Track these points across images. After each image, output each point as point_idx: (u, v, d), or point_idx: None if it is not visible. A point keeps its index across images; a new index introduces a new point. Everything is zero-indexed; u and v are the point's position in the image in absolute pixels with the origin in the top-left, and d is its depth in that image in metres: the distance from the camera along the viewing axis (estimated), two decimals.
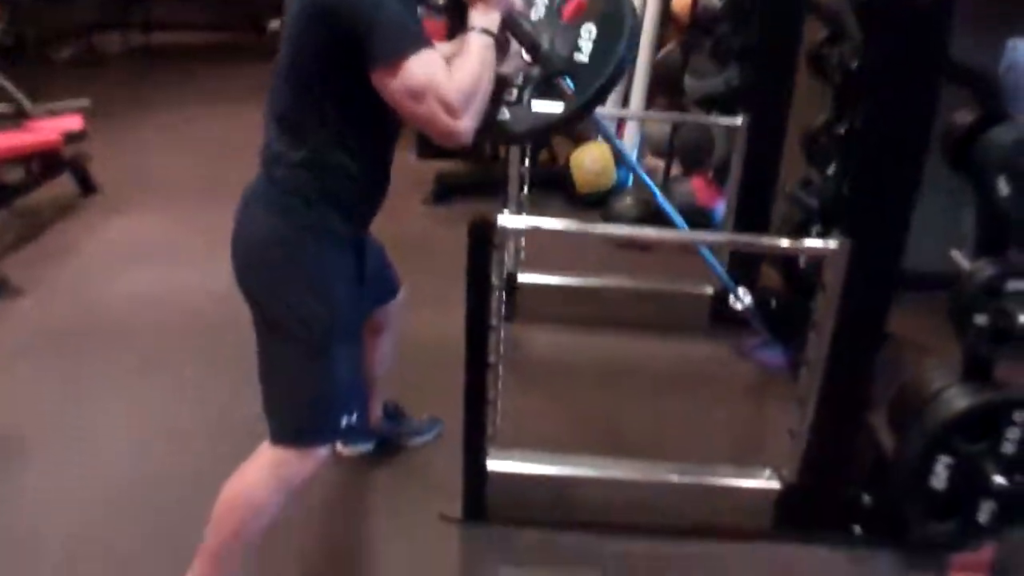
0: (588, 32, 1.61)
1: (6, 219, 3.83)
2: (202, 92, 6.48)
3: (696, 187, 3.78)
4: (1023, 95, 2.86)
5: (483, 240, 1.83)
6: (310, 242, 1.61)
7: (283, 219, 1.60)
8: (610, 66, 1.56)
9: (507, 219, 1.85)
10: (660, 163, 4.09)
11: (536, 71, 1.64)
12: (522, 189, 2.99)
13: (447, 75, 1.45)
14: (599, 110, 1.86)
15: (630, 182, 4.30)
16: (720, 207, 3.59)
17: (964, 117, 1.83)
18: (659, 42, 4.24)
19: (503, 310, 1.95)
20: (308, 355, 1.63)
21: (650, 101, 4.28)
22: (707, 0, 3.65)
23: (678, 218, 2.21)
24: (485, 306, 1.87)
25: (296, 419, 1.67)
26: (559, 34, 1.64)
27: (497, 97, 1.61)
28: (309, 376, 1.65)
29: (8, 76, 5.21)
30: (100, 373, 2.77)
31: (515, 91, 1.66)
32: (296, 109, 1.57)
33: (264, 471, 1.67)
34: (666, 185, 3.94)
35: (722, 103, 3.30)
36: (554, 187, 4.36)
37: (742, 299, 2.71)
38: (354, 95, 1.53)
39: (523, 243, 3.15)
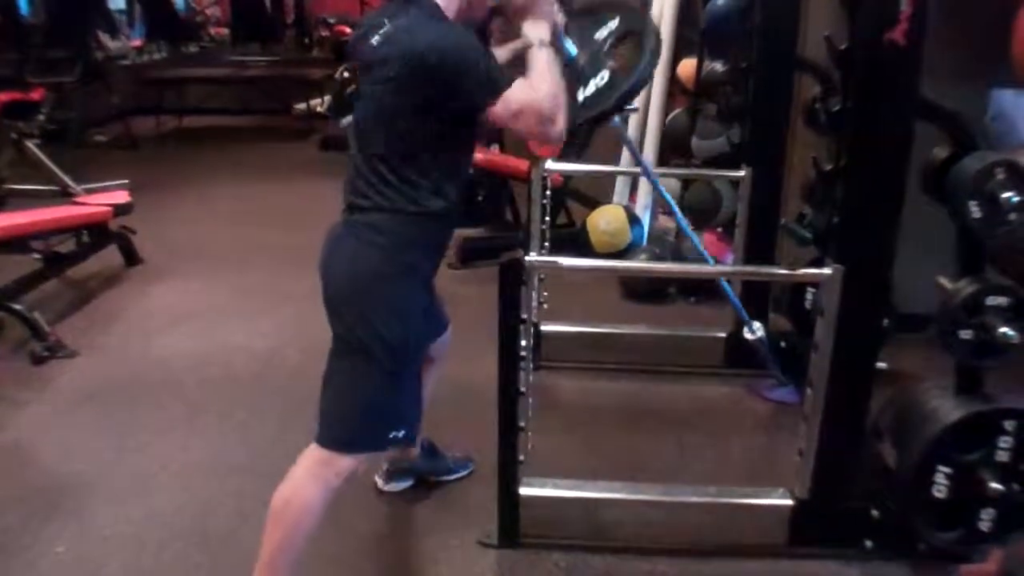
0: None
1: (59, 287, 4.09)
2: (233, 169, 6.83)
3: (706, 242, 3.98)
4: (1010, 141, 3.11)
5: (514, 276, 2.04)
6: (399, 277, 1.84)
7: (379, 256, 1.81)
8: (643, 63, 1.82)
9: (534, 258, 2.06)
10: (671, 224, 4.31)
11: (572, 80, 1.90)
12: (543, 246, 3.21)
13: (533, 92, 1.70)
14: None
15: (644, 241, 4.53)
16: (729, 259, 3.79)
17: (940, 152, 2.05)
18: (667, 107, 4.52)
19: (531, 341, 2.15)
20: (383, 373, 1.83)
21: (661, 162, 4.53)
22: (710, 66, 3.93)
23: (699, 245, 2.39)
24: (516, 338, 2.07)
25: (350, 429, 1.87)
26: (587, 46, 1.95)
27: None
28: (377, 392, 1.85)
29: (52, 158, 5.60)
30: (152, 422, 2.96)
31: None
32: (393, 157, 1.78)
33: (310, 470, 1.86)
34: (678, 242, 4.16)
35: (727, 162, 3.53)
36: (572, 248, 4.58)
37: (755, 331, 2.90)
38: (445, 142, 1.79)
39: (545, 295, 3.35)
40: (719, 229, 4.08)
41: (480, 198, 4.97)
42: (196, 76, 8.18)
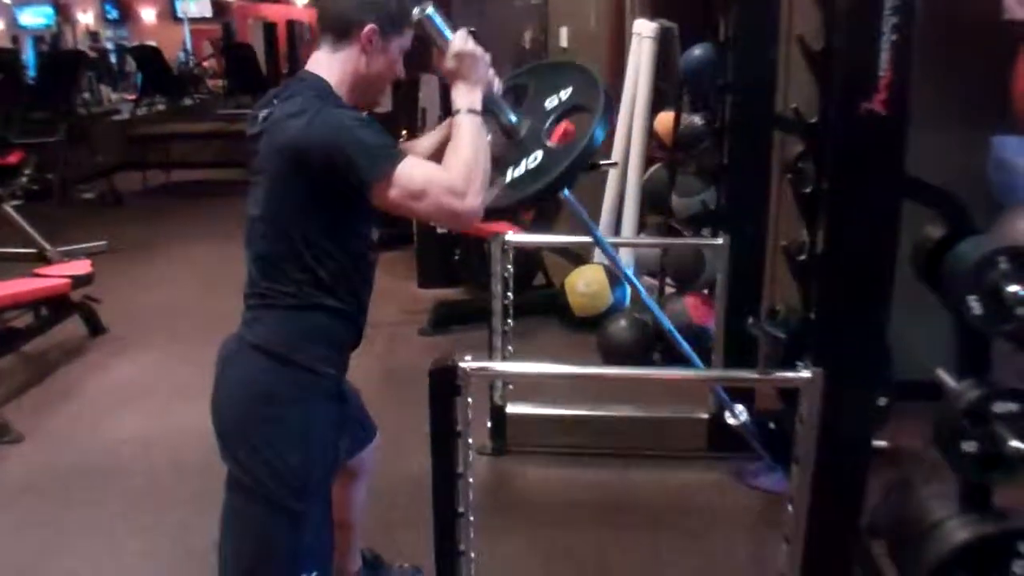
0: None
1: (14, 364, 3.89)
2: (218, 225, 6.63)
3: (689, 305, 3.74)
4: (1011, 191, 2.86)
5: (446, 386, 1.80)
6: (296, 395, 1.61)
7: (267, 370, 1.59)
8: (580, 146, 1.61)
9: (470, 363, 1.82)
10: (654, 282, 4.08)
11: (512, 150, 1.71)
12: (506, 319, 2.98)
13: (438, 167, 1.52)
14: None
15: (627, 302, 4.29)
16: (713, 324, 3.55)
17: (932, 231, 1.79)
18: (647, 162, 4.31)
19: (469, 457, 1.90)
20: (283, 512, 1.60)
21: (642, 219, 4.32)
22: (688, 120, 3.72)
23: (678, 336, 2.16)
24: (451, 457, 1.83)
25: None
26: (531, 117, 1.75)
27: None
28: (279, 534, 1.62)
29: (33, 217, 5.54)
30: (84, 519, 2.75)
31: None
32: (275, 252, 1.58)
33: None
34: (661, 304, 3.92)
35: (709, 220, 3.31)
36: (550, 311, 4.36)
37: (738, 416, 2.65)
38: (334, 232, 1.57)
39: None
40: (704, 291, 3.84)
41: (456, 257, 4.77)
42: (183, 131, 8.05)
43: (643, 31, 4.25)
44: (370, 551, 2.31)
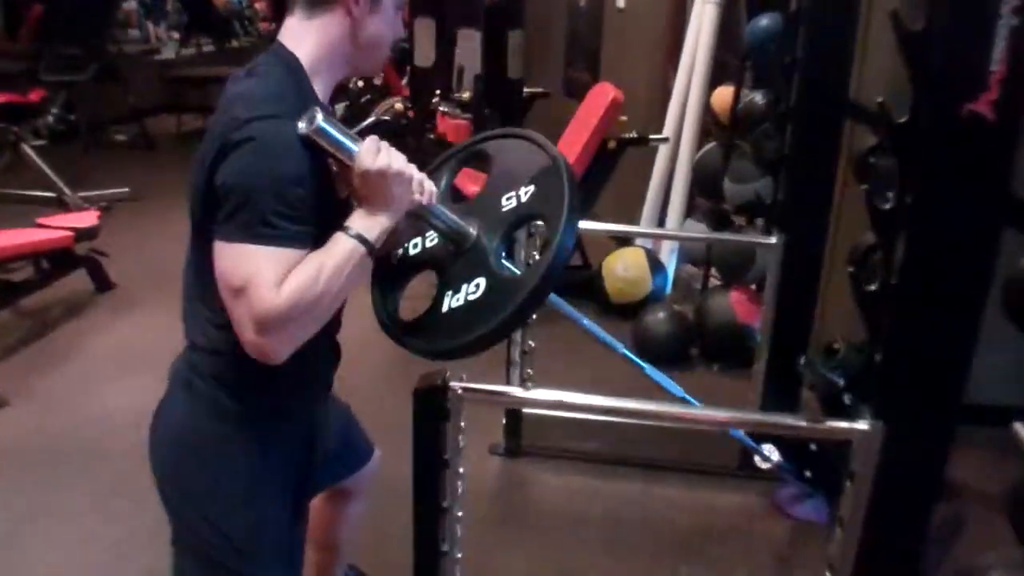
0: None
1: (10, 319, 3.71)
2: None
3: (735, 301, 3.42)
4: None
5: (433, 409, 1.53)
6: (249, 434, 1.33)
7: (206, 414, 1.32)
8: (504, 313, 1.19)
9: (462, 384, 1.55)
10: (698, 272, 3.76)
11: (458, 266, 1.30)
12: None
13: (273, 285, 1.12)
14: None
15: (668, 290, 3.98)
16: (759, 325, 3.22)
17: None
18: (700, 140, 3.96)
19: (459, 491, 1.63)
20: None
21: (691, 202, 3.98)
22: (749, 96, 3.36)
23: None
24: (435, 488, 1.56)
25: None
26: (483, 218, 1.32)
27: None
28: None
29: (59, 159, 5.36)
30: (60, 499, 2.58)
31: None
32: (201, 279, 1.25)
33: None
34: (703, 298, 3.60)
35: (763, 210, 2.96)
36: (585, 294, 4.06)
37: (768, 458, 2.38)
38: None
39: (529, 372, 2.82)
40: (752, 286, 3.51)
41: None
42: (222, 74, 7.78)
43: None
44: (355, 570, 2.07)
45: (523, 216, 1.30)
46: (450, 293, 1.28)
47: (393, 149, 1.22)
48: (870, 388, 1.54)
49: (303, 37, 1.26)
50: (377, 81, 5.73)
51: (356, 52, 1.30)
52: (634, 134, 3.97)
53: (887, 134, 1.43)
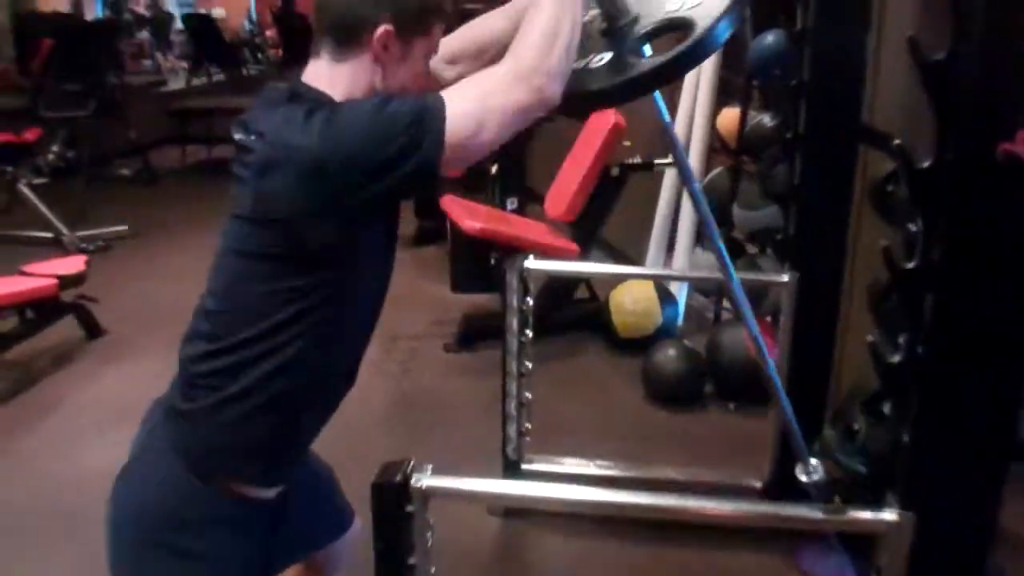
0: None
1: None
2: None
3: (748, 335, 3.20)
4: None
5: (393, 508, 1.34)
6: (203, 526, 1.23)
7: (174, 484, 1.23)
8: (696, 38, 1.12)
9: (429, 479, 1.36)
10: (709, 303, 3.55)
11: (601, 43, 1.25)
12: (523, 362, 2.49)
13: (484, 72, 1.16)
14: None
15: (679, 323, 3.78)
16: (774, 360, 3.01)
17: None
18: (707, 164, 3.76)
19: None
20: None
21: (701, 229, 3.77)
22: (756, 119, 3.17)
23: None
24: None
25: None
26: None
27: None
28: None
29: (60, 196, 5.37)
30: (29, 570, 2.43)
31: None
32: (240, 308, 1.21)
33: None
34: (715, 332, 3.39)
35: (774, 248, 2.76)
36: (594, 327, 3.87)
37: (812, 473, 2.14)
38: (333, 287, 1.19)
39: (528, 426, 2.63)
40: (767, 318, 3.29)
41: (493, 262, 4.28)
42: (226, 105, 7.68)
43: None
44: None
45: (675, 23, 1.19)
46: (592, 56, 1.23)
47: None
48: (897, 473, 1.33)
49: (333, 80, 1.20)
50: None
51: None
52: (638, 159, 3.79)
53: (908, 181, 1.24)
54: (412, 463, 1.36)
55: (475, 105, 1.12)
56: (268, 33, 13.68)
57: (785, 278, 2.34)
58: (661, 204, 4.01)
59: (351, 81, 1.20)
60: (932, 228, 1.20)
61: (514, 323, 2.43)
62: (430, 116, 1.10)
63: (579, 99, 1.19)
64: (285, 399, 1.21)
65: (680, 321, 3.81)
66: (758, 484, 2.51)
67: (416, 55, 1.22)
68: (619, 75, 1.17)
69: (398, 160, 1.09)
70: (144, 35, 10.73)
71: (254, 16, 15.74)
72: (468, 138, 1.11)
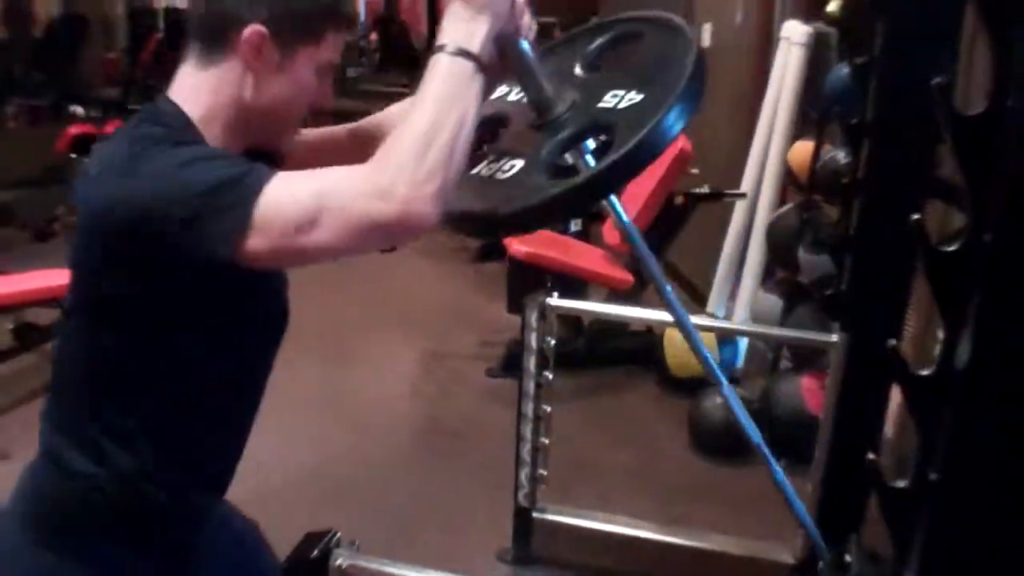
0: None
1: (30, 365, 3.61)
2: None
3: (806, 388, 2.94)
4: None
5: None
6: None
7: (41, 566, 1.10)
8: (652, 119, 0.93)
9: (348, 557, 1.20)
10: (767, 351, 3.29)
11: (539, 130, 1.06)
12: (540, 405, 2.31)
13: (343, 167, 0.94)
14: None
15: (739, 363, 3.52)
16: None
17: None
18: (781, 199, 3.49)
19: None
20: None
21: (767, 272, 3.52)
22: (830, 154, 2.90)
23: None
24: None
25: None
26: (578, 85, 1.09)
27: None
28: None
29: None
30: None
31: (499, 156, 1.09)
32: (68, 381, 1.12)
33: None
34: (771, 382, 3.13)
35: (826, 303, 2.49)
36: (648, 362, 3.66)
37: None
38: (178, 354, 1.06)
39: (543, 472, 2.44)
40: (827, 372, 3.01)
41: (549, 284, 4.12)
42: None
43: (793, 35, 3.40)
44: None
45: (605, 125, 1.01)
46: (512, 161, 1.05)
47: None
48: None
49: (196, 89, 1.05)
50: None
51: (254, 118, 1.05)
52: (706, 189, 3.55)
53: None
54: (336, 536, 1.21)
55: (311, 198, 0.91)
56: (372, 36, 13.94)
57: (834, 338, 2.10)
58: (728, 239, 3.76)
59: (214, 91, 1.03)
60: (954, 329, 0.97)
61: (531, 363, 2.26)
62: (237, 189, 0.91)
63: (461, 222, 1.00)
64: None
65: (740, 363, 3.55)
66: (791, 560, 2.26)
67: (300, 66, 1.04)
68: (518, 197, 0.97)
69: (181, 227, 0.91)
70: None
71: (362, 19, 16.04)
72: (296, 233, 0.90)
